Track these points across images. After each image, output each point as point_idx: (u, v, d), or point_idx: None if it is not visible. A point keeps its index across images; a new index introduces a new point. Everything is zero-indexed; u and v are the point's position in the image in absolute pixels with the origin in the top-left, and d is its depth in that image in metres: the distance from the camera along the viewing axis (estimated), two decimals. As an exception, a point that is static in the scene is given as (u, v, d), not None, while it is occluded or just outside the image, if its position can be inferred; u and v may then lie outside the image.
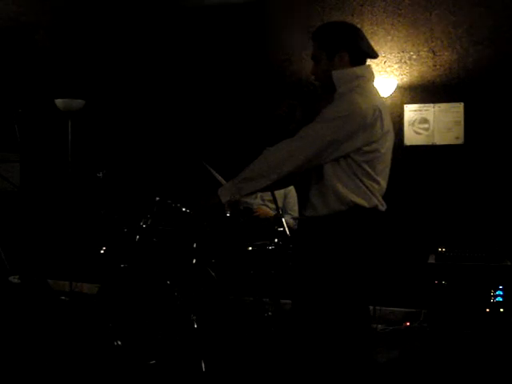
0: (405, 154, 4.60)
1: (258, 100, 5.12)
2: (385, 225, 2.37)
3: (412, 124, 4.69)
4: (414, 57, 4.69)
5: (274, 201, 3.63)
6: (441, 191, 4.64)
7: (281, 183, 2.44)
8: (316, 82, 2.45)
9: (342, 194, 2.25)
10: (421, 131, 4.68)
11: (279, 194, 4.06)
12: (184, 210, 3.41)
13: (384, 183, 2.36)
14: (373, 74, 2.41)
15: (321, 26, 2.45)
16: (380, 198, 2.33)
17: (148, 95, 5.57)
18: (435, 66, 4.64)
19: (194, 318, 3.16)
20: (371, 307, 4.25)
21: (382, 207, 2.34)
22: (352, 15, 4.82)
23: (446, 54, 4.61)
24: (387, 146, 2.33)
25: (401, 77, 4.71)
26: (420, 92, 4.68)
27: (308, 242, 2.39)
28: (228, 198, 2.32)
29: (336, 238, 2.28)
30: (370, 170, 2.27)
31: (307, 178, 2.36)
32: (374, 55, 2.41)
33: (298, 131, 2.30)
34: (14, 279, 4.65)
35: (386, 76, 4.70)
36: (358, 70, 2.35)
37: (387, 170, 2.38)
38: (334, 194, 2.26)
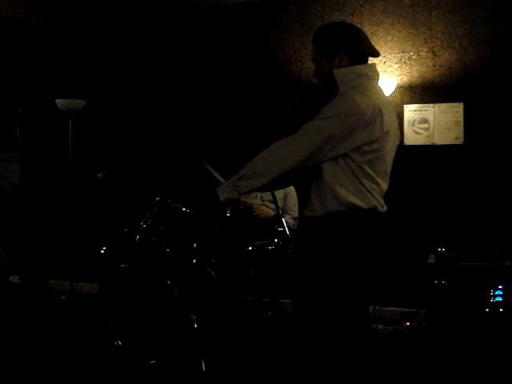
0: (405, 154, 4.60)
1: (258, 100, 5.12)
2: (384, 225, 2.36)
3: (412, 124, 4.69)
4: (414, 57, 4.69)
5: (274, 201, 3.63)
6: (441, 191, 4.64)
7: (280, 182, 2.44)
8: (319, 83, 2.45)
9: (340, 195, 2.25)
10: (421, 131, 4.68)
11: (279, 194, 4.07)
12: (184, 209, 3.41)
13: (384, 184, 2.34)
14: (377, 72, 2.39)
15: (319, 28, 2.45)
16: (380, 199, 2.32)
17: (149, 95, 5.57)
18: (435, 66, 4.64)
19: (194, 317, 3.16)
20: (371, 307, 4.25)
21: (382, 208, 2.33)
22: (352, 15, 4.83)
23: (445, 54, 4.61)
24: (389, 146, 2.32)
25: (401, 77, 4.72)
26: (420, 92, 4.68)
27: (306, 242, 2.39)
28: (227, 196, 2.33)
29: (333, 239, 2.27)
30: (370, 171, 2.26)
31: (308, 177, 2.36)
32: (375, 54, 2.41)
33: None
34: (15, 279, 4.65)
35: (386, 76, 4.71)
36: (360, 68, 2.34)
37: (388, 171, 2.37)
38: (332, 194, 2.26)
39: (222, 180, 3.69)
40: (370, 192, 2.27)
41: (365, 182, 2.25)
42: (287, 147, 2.27)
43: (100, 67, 5.77)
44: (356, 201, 2.25)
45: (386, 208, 2.35)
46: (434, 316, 4.10)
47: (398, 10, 4.73)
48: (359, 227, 2.27)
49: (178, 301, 3.18)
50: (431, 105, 4.65)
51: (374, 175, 2.27)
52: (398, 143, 2.43)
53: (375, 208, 2.29)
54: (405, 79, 4.71)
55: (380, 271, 2.40)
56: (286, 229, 3.52)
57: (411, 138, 4.70)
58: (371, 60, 2.43)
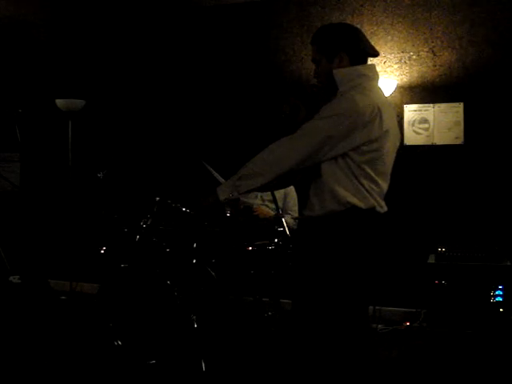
0: (405, 154, 4.59)
1: (258, 100, 5.12)
2: (384, 226, 2.36)
3: (412, 124, 4.70)
4: (414, 57, 4.69)
5: (274, 201, 3.63)
6: (440, 191, 4.64)
7: (280, 182, 2.44)
8: (319, 83, 2.45)
9: (339, 195, 2.25)
10: (421, 131, 4.68)
11: (279, 194, 4.07)
12: (184, 209, 3.41)
13: (384, 185, 2.34)
14: (377, 73, 2.40)
15: (318, 29, 2.46)
16: (379, 200, 2.31)
17: (148, 95, 5.57)
18: (435, 66, 4.64)
19: (194, 317, 3.16)
20: (371, 307, 4.25)
21: (381, 209, 2.33)
22: (352, 15, 4.83)
23: (445, 54, 4.61)
24: (388, 146, 2.31)
25: (401, 77, 4.72)
26: (420, 92, 4.68)
27: (305, 242, 2.39)
28: (226, 195, 2.33)
29: (331, 239, 2.27)
30: (369, 171, 2.25)
31: (307, 177, 2.36)
32: (375, 53, 2.41)
33: None
34: (15, 279, 4.65)
35: (386, 76, 4.71)
36: (359, 68, 2.34)
37: (388, 172, 2.36)
38: (331, 193, 2.26)
39: (221, 180, 3.69)
40: (368, 192, 2.26)
41: (364, 181, 2.25)
42: (287, 147, 2.27)
43: (100, 67, 5.77)
44: (355, 201, 2.24)
45: (385, 208, 2.35)
46: (434, 316, 4.11)
47: (398, 10, 4.73)
48: (357, 227, 2.26)
49: (178, 301, 3.18)
50: (431, 105, 4.65)
51: (374, 175, 2.27)
52: (398, 145, 2.43)
53: (374, 208, 2.29)
54: (405, 79, 4.71)
55: (379, 271, 2.39)
56: (286, 229, 3.52)
57: (411, 138, 4.70)
58: (371, 60, 2.43)
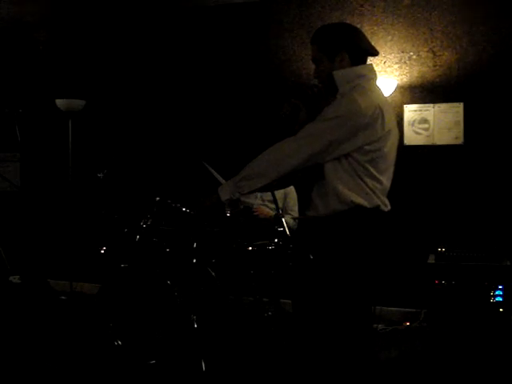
0: (404, 154, 4.60)
1: (259, 100, 5.12)
2: (388, 225, 2.36)
3: (412, 124, 4.69)
4: (414, 57, 4.69)
5: (274, 201, 3.62)
6: (441, 191, 4.64)
7: (282, 182, 2.44)
8: (319, 84, 2.45)
9: (343, 194, 2.25)
10: (421, 131, 4.68)
11: (279, 194, 4.06)
12: (184, 209, 3.41)
13: (387, 183, 2.35)
14: (375, 73, 2.41)
15: (319, 28, 2.46)
16: (383, 198, 2.32)
17: (148, 95, 5.57)
18: (435, 66, 4.64)
19: (194, 317, 3.16)
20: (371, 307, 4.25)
21: (385, 207, 2.33)
22: (352, 15, 4.83)
23: (445, 53, 4.61)
24: (390, 144, 2.32)
25: (401, 77, 4.72)
26: (420, 92, 4.68)
27: (309, 242, 2.39)
28: (228, 196, 2.34)
29: (337, 239, 2.27)
30: (372, 170, 2.26)
31: (309, 177, 2.36)
32: (375, 52, 2.42)
33: None
34: (15, 279, 4.66)
35: (386, 76, 4.71)
36: (359, 69, 2.35)
37: (391, 170, 2.38)
38: (335, 193, 2.26)
39: (222, 180, 3.69)
40: (372, 191, 2.27)
41: (367, 180, 2.26)
42: (289, 148, 2.27)
43: (100, 67, 5.77)
44: (359, 200, 2.25)
45: (389, 207, 2.35)
46: (434, 316, 4.11)
47: (398, 10, 4.73)
48: (363, 226, 2.27)
49: (178, 301, 3.18)
50: (431, 105, 4.65)
51: (377, 174, 2.28)
52: (397, 143, 2.44)
53: (378, 207, 2.29)
54: (405, 79, 4.71)
55: (383, 271, 2.39)
56: (286, 229, 3.51)
57: (411, 137, 4.70)
58: (370, 60, 2.44)
